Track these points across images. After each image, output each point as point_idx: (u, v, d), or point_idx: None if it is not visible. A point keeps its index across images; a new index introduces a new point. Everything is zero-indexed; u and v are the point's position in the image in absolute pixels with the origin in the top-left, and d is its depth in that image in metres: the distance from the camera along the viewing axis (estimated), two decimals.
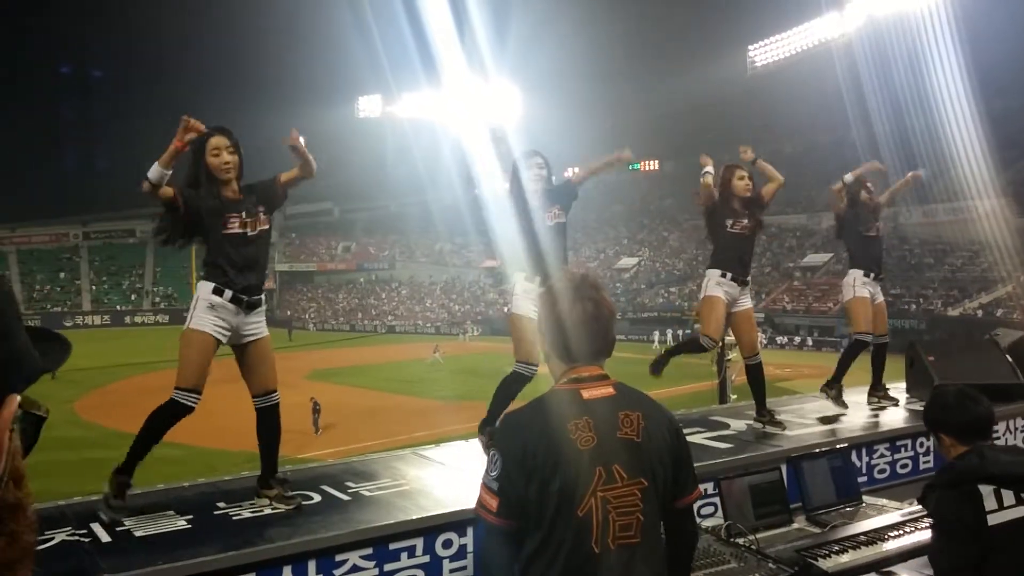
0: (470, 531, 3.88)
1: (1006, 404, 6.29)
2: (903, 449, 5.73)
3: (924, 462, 5.80)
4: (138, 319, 76.65)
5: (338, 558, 3.63)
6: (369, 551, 3.70)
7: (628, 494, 2.22)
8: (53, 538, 3.68)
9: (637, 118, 79.45)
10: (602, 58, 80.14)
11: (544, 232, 5.15)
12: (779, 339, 48.26)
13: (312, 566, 3.59)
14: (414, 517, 3.88)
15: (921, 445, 5.80)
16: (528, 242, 5.12)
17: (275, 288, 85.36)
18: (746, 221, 6.09)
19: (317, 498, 4.24)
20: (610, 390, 2.33)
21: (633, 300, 63.33)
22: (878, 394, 6.97)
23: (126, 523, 3.83)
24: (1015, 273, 41.85)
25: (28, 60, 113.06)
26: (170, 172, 3.95)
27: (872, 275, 6.94)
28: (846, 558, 3.54)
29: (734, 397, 9.02)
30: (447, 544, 3.85)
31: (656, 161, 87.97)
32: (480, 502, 2.29)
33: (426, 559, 3.82)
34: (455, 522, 3.86)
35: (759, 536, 3.65)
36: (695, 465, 4.64)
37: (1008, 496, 2.84)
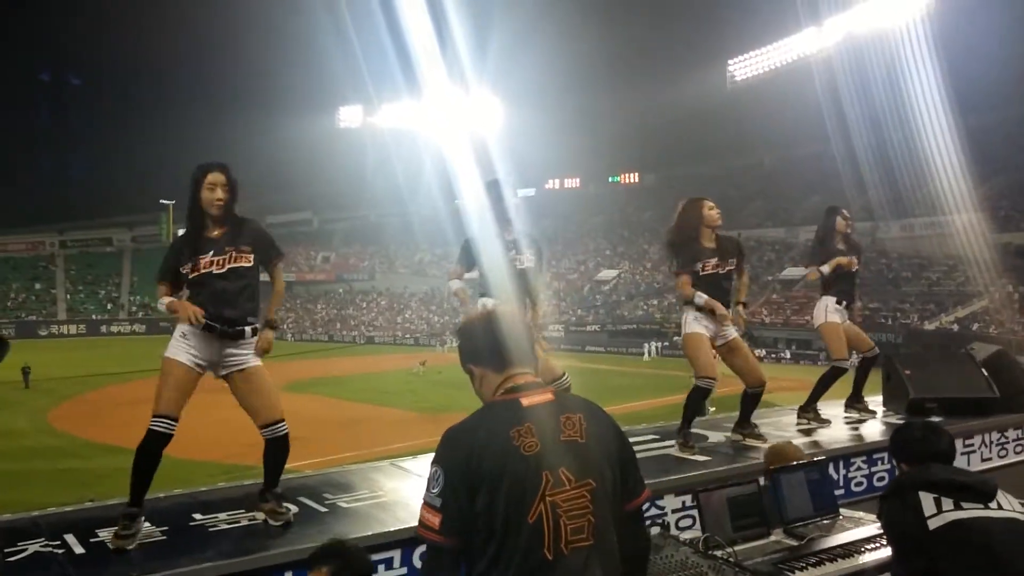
0: None
1: (981, 418, 6.35)
2: (880, 462, 5.76)
3: None
4: (114, 328, 76.01)
5: None
6: None
7: (577, 496, 2.19)
8: (26, 549, 3.64)
9: (618, 130, 79.94)
10: (583, 70, 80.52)
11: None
12: (758, 352, 48.50)
13: None
14: (392, 529, 3.86)
15: (893, 457, 5.82)
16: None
17: None
18: (716, 260, 5.92)
19: (294, 509, 4.22)
20: (549, 396, 2.32)
21: (612, 312, 63.48)
22: (857, 406, 7.01)
23: (100, 534, 3.80)
24: (991, 287, 42.28)
25: (6, 66, 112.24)
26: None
27: (844, 303, 6.96)
28: (823, 571, 3.55)
29: (712, 410, 9.01)
30: (425, 556, 3.83)
31: (636, 174, 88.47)
32: (422, 521, 2.24)
33: (404, 571, 3.80)
34: (420, 541, 3.84)
35: (737, 549, 3.65)
36: (674, 477, 4.69)
37: (947, 503, 2.94)
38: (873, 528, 3.96)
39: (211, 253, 4.12)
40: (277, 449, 4.24)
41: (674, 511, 4.60)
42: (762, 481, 4.22)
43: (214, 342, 4.09)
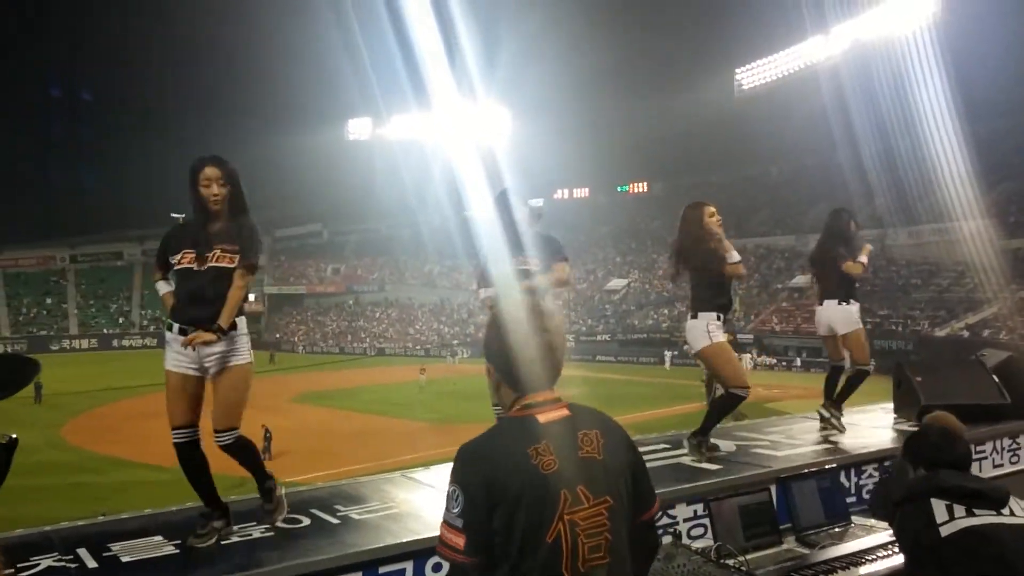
0: None
1: (993, 424, 6.32)
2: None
3: None
4: (126, 343, 76.26)
5: None
6: (359, 575, 3.67)
7: (595, 514, 2.18)
8: (39, 564, 3.65)
9: (626, 140, 79.96)
10: (591, 80, 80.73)
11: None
12: (768, 360, 48.42)
13: None
14: (404, 540, 3.85)
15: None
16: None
17: (263, 311, 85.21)
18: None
19: (306, 521, 4.21)
20: (565, 411, 2.30)
21: (622, 321, 63.41)
22: (839, 412, 6.93)
23: (113, 548, 3.81)
24: (1001, 293, 42.11)
25: (18, 82, 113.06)
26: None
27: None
28: None
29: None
30: (437, 568, 3.82)
31: (645, 183, 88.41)
32: (444, 541, 2.22)
33: None
34: (443, 561, 3.84)
35: (749, 557, 3.65)
36: (685, 486, 4.68)
37: (959, 509, 2.94)
38: (885, 536, 3.95)
39: (196, 248, 4.01)
40: (232, 455, 4.11)
41: (686, 520, 4.59)
42: (773, 489, 4.22)
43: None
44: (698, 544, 3.86)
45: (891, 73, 55.24)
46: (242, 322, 4.06)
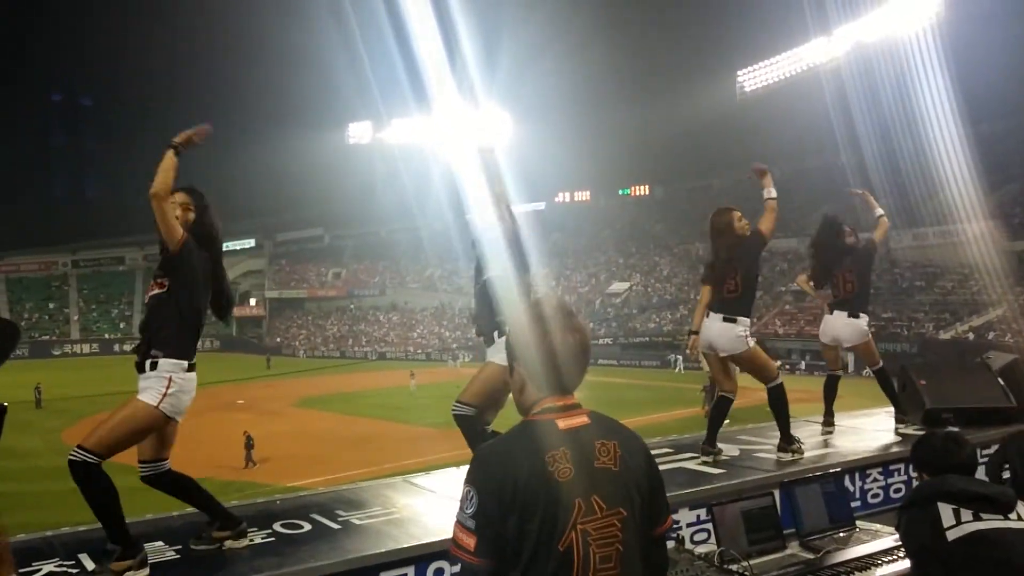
0: None
1: (997, 427, 6.29)
2: (896, 473, 5.71)
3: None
4: (127, 347, 75.99)
5: None
6: None
7: (608, 525, 2.16)
8: (41, 569, 3.64)
9: (628, 143, 79.93)
10: (592, 83, 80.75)
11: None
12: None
13: None
14: (405, 545, 3.85)
15: (913, 470, 5.77)
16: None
17: (264, 315, 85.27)
18: None
19: (307, 527, 4.21)
20: (585, 419, 2.27)
21: (624, 325, 63.38)
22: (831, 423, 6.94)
23: (84, 562, 3.80)
24: (1005, 296, 42.07)
25: (18, 88, 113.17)
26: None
27: None
28: None
29: (726, 422, 8.97)
30: (438, 572, 3.81)
31: (647, 186, 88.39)
32: (456, 542, 2.19)
33: None
34: (446, 550, 3.82)
35: (752, 562, 3.63)
36: (688, 490, 4.66)
37: (966, 514, 2.93)
38: (890, 540, 3.93)
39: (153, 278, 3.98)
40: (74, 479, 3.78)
41: (688, 525, 4.57)
42: (777, 494, 4.19)
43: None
44: (701, 549, 3.84)
45: (894, 75, 55.26)
46: (164, 364, 3.83)
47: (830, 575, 3.62)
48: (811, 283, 7.33)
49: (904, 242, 53.07)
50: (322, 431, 30.25)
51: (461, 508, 2.19)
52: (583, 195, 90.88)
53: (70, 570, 3.65)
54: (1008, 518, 2.91)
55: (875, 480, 5.63)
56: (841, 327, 6.97)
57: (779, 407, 5.87)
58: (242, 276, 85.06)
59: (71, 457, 3.66)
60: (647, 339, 58.94)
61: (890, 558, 3.74)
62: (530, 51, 69.39)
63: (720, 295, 5.93)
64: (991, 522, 2.89)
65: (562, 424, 2.23)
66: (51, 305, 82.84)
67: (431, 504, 4.65)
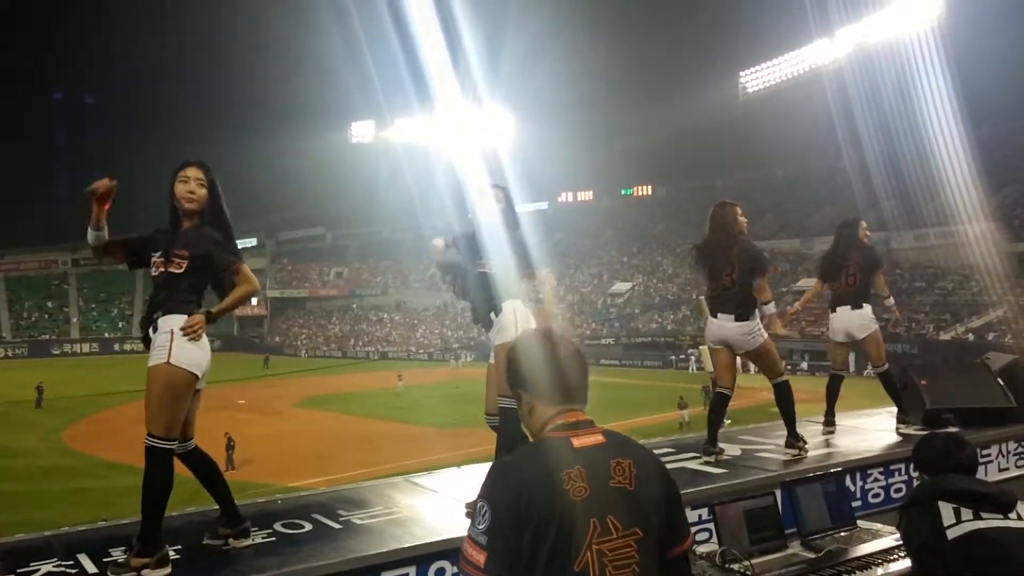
0: None
1: (997, 428, 6.29)
2: (897, 473, 5.71)
3: None
4: (127, 347, 76.07)
5: None
6: None
7: (624, 546, 2.14)
8: (39, 569, 3.63)
9: (630, 143, 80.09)
10: (595, 84, 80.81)
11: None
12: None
13: None
14: (406, 545, 3.84)
15: (914, 470, 5.76)
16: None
17: (266, 314, 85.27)
18: None
19: (308, 527, 4.20)
20: (600, 437, 2.25)
21: (627, 325, 63.38)
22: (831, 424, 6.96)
23: (113, 554, 3.79)
24: (1006, 297, 42.05)
25: (20, 85, 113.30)
26: (104, 231, 3.92)
27: None
28: None
29: (727, 422, 8.96)
30: (440, 572, 3.81)
31: (649, 186, 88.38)
32: (465, 557, 2.16)
33: None
34: (448, 550, 3.82)
35: (754, 562, 3.62)
36: (690, 490, 4.66)
37: (966, 513, 2.93)
38: (891, 540, 3.93)
39: (159, 253, 3.93)
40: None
41: (691, 525, 4.56)
42: (778, 494, 4.19)
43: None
44: (703, 549, 3.84)
45: (895, 76, 55.29)
46: (164, 322, 3.79)
47: (831, 574, 3.61)
48: (819, 280, 7.31)
49: (905, 243, 53.12)
50: (323, 431, 30.25)
51: (472, 523, 2.16)
52: (586, 195, 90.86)
53: (68, 570, 3.64)
54: (1008, 517, 2.92)
55: (876, 480, 5.62)
56: (850, 319, 6.98)
57: (787, 403, 5.94)
58: None
59: (145, 443, 3.63)
60: (649, 339, 58.93)
61: (891, 557, 3.74)
62: (533, 51, 69.51)
63: (737, 289, 6.01)
64: (991, 521, 2.89)
65: (577, 442, 2.22)
66: (51, 304, 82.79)
67: (433, 504, 4.65)
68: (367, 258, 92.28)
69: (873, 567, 3.67)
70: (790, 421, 5.93)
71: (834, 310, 7.09)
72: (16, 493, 18.89)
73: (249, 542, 3.95)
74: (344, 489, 5.32)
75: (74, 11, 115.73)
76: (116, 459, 23.41)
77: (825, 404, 6.98)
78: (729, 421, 8.72)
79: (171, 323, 3.75)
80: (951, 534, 2.90)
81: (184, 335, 3.71)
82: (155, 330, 3.80)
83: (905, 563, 3.57)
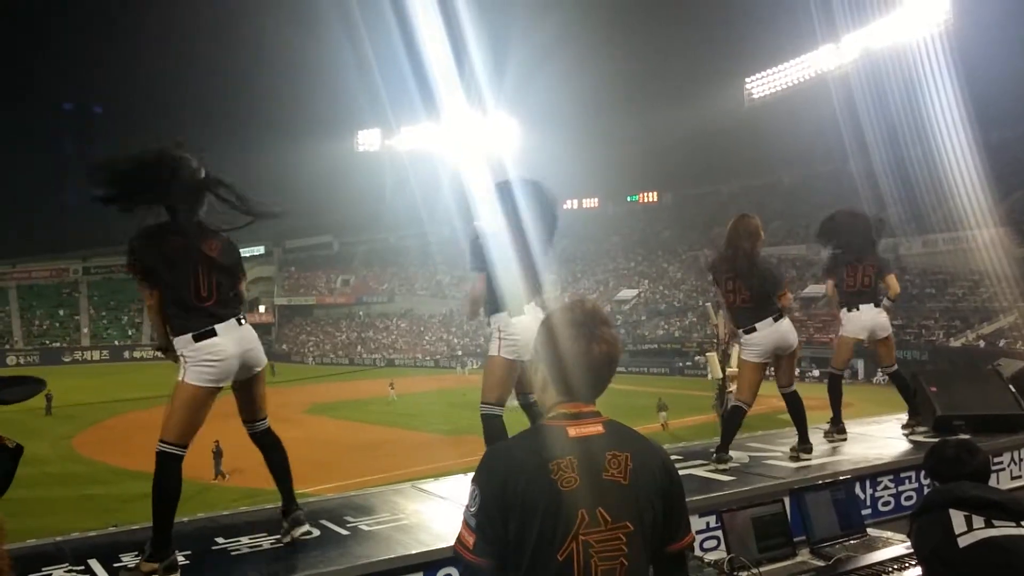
0: None
1: (1009, 435, 6.25)
2: (907, 481, 5.68)
3: None
4: (137, 354, 76.37)
5: None
6: None
7: (612, 538, 2.12)
8: (51, 575, 3.65)
9: (635, 150, 79.99)
10: (601, 91, 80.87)
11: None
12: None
13: None
14: (414, 552, 3.84)
15: (925, 477, 5.75)
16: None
17: (274, 322, 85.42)
18: None
19: (316, 532, 4.20)
20: (599, 428, 2.22)
21: (633, 332, 63.31)
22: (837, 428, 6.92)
23: (123, 559, 3.80)
24: (1016, 303, 41.88)
25: (30, 96, 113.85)
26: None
27: None
28: None
29: None
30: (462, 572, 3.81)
31: (655, 193, 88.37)
32: (459, 538, 2.19)
33: None
34: (455, 557, 3.82)
35: (762, 570, 3.61)
36: (698, 497, 4.64)
37: (978, 520, 2.90)
38: (901, 548, 3.91)
39: None
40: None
41: (698, 532, 4.55)
42: (787, 501, 4.18)
43: None
44: (711, 556, 3.82)
45: (902, 81, 55.19)
46: (179, 341, 3.94)
47: None
48: (832, 280, 7.24)
49: (914, 249, 52.97)
50: (331, 437, 30.27)
51: (467, 505, 2.19)
52: (591, 202, 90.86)
53: (80, 575, 3.66)
54: (1020, 525, 2.89)
55: (886, 488, 5.60)
56: (873, 317, 6.95)
57: (800, 410, 6.10)
58: (251, 283, 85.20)
59: (156, 448, 3.79)
60: (655, 346, 58.86)
61: (901, 565, 3.72)
62: (538, 58, 69.56)
63: (749, 301, 6.10)
64: (1003, 529, 2.87)
65: (572, 432, 2.19)
66: (62, 312, 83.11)
67: (440, 510, 4.64)
68: (374, 265, 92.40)
69: (884, 575, 3.65)
70: (804, 428, 6.09)
71: (856, 308, 7.02)
72: (27, 500, 18.91)
73: (305, 529, 4.08)
74: (352, 495, 5.33)
75: (83, 22, 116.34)
76: (126, 466, 23.47)
77: (831, 410, 6.93)
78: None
79: (179, 346, 3.94)
80: (962, 542, 2.87)
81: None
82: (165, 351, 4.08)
83: (916, 571, 3.56)
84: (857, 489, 5.18)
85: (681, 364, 53.14)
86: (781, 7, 64.05)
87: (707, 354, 27.60)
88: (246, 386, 4.20)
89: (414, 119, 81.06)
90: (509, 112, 79.48)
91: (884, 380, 7.13)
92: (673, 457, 5.64)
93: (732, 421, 6.01)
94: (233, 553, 3.94)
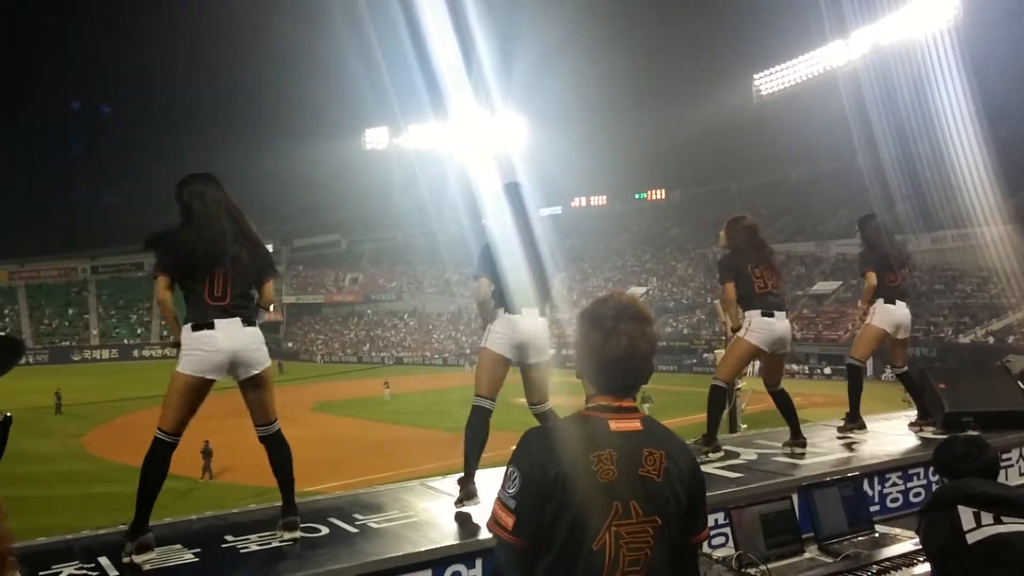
0: (479, 563, 3.84)
1: (1018, 431, 6.24)
2: (916, 477, 5.67)
3: None
4: (146, 353, 76.57)
5: None
6: None
7: (641, 531, 2.17)
8: (60, 572, 3.66)
9: (644, 147, 79.85)
10: (609, 88, 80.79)
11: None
12: (792, 367, 48.17)
13: None
14: (422, 549, 3.85)
15: (934, 474, 5.73)
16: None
17: (282, 320, 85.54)
18: None
19: (325, 530, 4.21)
20: (637, 424, 2.26)
21: None
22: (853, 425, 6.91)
23: (133, 557, 3.81)
24: None
25: (38, 96, 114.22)
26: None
27: None
28: None
29: (744, 427, 8.95)
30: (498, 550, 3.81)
31: (663, 190, 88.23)
32: (495, 518, 2.22)
33: None
34: (464, 554, 3.83)
35: (771, 566, 3.61)
36: (706, 494, 4.64)
37: (987, 517, 2.90)
38: (909, 545, 3.90)
39: None
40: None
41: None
42: (795, 498, 4.17)
43: None
44: (719, 553, 3.82)
45: (911, 77, 54.98)
46: (182, 332, 4.05)
47: None
48: (875, 274, 7.07)
49: (923, 245, 52.73)
50: (340, 435, 30.31)
51: (503, 486, 2.22)
52: (600, 200, 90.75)
53: (90, 572, 3.67)
54: None
55: (894, 484, 5.59)
56: (906, 315, 7.00)
57: (790, 405, 6.13)
58: None
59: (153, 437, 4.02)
60: (664, 343, 58.76)
61: (909, 562, 3.71)
62: (546, 56, 69.55)
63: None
64: (1012, 525, 2.87)
65: (614, 426, 2.23)
66: (71, 311, 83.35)
67: (449, 508, 4.64)
68: (382, 264, 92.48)
69: (892, 571, 3.64)
70: (796, 423, 6.13)
71: (893, 302, 6.98)
72: (37, 498, 18.99)
73: (293, 536, 4.07)
74: (360, 493, 5.33)
75: (91, 22, 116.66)
76: (135, 464, 23.43)
77: (849, 404, 6.91)
78: (745, 426, 8.69)
79: (183, 335, 4.08)
80: (971, 538, 2.86)
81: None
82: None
83: (924, 567, 3.55)
84: (865, 486, 5.17)
85: (689, 361, 53.03)
86: (790, 3, 63.97)
87: (715, 351, 27.59)
88: (251, 389, 4.24)
89: (422, 117, 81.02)
90: (517, 110, 79.48)
91: (892, 377, 7.11)
92: None
93: (716, 404, 6.09)
94: (242, 551, 3.95)
